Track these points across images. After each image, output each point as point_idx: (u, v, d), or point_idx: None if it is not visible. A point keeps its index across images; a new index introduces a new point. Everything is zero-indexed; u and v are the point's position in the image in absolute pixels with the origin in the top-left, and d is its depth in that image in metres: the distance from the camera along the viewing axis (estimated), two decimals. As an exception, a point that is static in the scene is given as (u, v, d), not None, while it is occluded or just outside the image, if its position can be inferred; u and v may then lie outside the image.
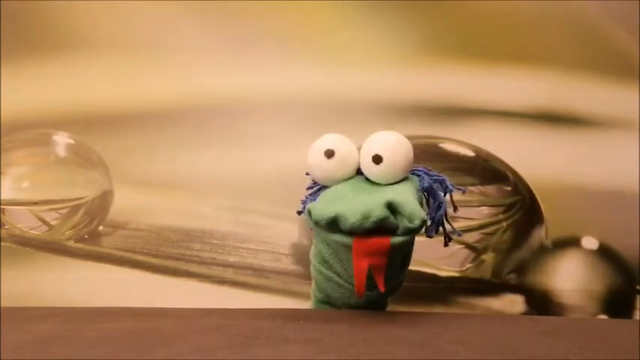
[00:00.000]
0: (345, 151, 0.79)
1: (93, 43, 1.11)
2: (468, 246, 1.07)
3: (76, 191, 1.09)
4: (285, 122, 1.09)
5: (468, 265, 1.07)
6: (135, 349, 0.57)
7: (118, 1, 1.10)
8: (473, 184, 1.07)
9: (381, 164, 0.77)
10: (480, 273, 1.07)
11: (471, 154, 1.07)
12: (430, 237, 0.82)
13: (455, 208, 0.85)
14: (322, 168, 0.79)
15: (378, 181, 0.79)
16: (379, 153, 0.77)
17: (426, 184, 0.81)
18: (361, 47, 1.10)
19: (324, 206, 0.75)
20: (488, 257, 1.07)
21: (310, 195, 0.84)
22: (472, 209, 1.07)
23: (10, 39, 1.11)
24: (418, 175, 0.82)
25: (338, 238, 0.75)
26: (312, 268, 0.85)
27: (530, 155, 1.08)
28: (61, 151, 1.11)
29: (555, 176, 1.08)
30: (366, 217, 0.72)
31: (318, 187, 0.83)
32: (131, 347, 0.58)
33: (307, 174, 0.83)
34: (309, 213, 0.76)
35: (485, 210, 1.07)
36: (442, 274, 1.07)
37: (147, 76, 1.10)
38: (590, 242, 1.07)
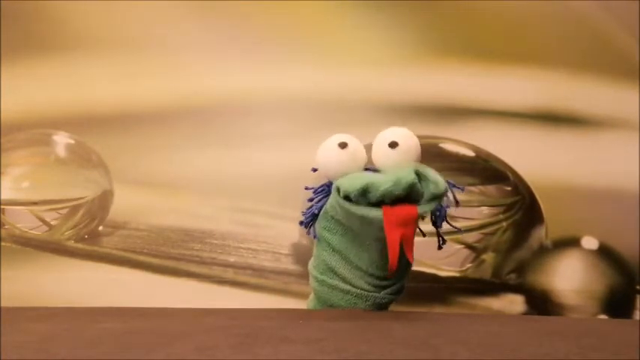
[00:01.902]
0: (355, 146, 0.82)
1: (93, 43, 1.11)
2: (468, 246, 1.07)
3: (76, 191, 1.09)
4: (286, 122, 1.09)
5: (468, 265, 1.07)
6: (135, 349, 0.57)
7: (118, 1, 1.10)
8: (473, 184, 1.07)
9: (397, 148, 0.79)
10: (480, 273, 1.07)
11: (471, 154, 1.07)
12: (437, 226, 0.84)
13: (457, 204, 0.86)
14: (337, 158, 0.80)
15: (390, 167, 0.80)
16: (395, 139, 0.80)
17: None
18: (361, 47, 1.10)
19: (353, 180, 0.77)
20: (488, 257, 1.07)
21: (314, 205, 0.84)
22: (472, 209, 1.07)
23: (10, 39, 1.11)
24: None
25: (366, 211, 0.76)
26: (312, 282, 0.85)
27: (530, 155, 1.08)
28: (61, 151, 1.11)
29: (555, 176, 1.08)
30: (397, 183, 0.74)
31: (323, 196, 0.83)
32: (131, 347, 0.58)
33: (314, 170, 0.83)
34: (338, 189, 0.77)
35: (485, 210, 1.07)
36: (442, 274, 1.07)
37: (147, 76, 1.10)
38: (590, 242, 1.07)
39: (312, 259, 0.85)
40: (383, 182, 0.75)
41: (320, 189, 0.84)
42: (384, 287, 0.81)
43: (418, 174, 0.77)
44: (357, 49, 1.10)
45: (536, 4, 1.09)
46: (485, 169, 1.07)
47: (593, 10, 1.08)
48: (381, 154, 0.81)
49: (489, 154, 1.07)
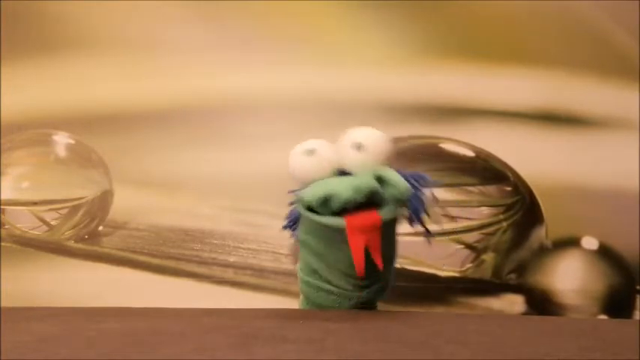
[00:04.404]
0: (322, 153, 0.81)
1: (93, 43, 1.11)
2: (468, 246, 1.07)
3: (76, 191, 1.09)
4: (286, 122, 1.09)
5: (468, 265, 1.07)
6: (135, 349, 0.58)
7: (118, 1, 1.10)
8: (473, 184, 1.07)
9: (362, 149, 0.79)
10: (480, 273, 1.07)
11: (471, 154, 1.07)
12: (412, 226, 0.83)
13: (436, 200, 0.86)
14: (303, 166, 0.81)
15: (358, 170, 0.80)
16: (359, 140, 0.79)
17: (404, 176, 0.82)
18: (362, 47, 1.10)
19: (315, 189, 0.77)
20: (488, 257, 1.07)
21: (294, 210, 0.84)
22: (472, 209, 1.07)
23: (10, 39, 1.11)
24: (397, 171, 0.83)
25: (330, 221, 0.76)
26: (300, 284, 0.85)
27: (530, 155, 1.08)
28: (61, 151, 1.11)
29: (555, 176, 1.08)
30: (357, 191, 0.75)
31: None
32: (131, 347, 0.58)
33: (290, 192, 0.84)
34: (300, 199, 0.77)
35: (485, 210, 1.07)
36: (442, 274, 1.07)
37: (147, 76, 1.10)
38: (590, 242, 1.07)
39: (299, 262, 0.85)
40: (343, 190, 0.75)
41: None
42: (366, 287, 0.81)
43: (380, 178, 0.76)
44: (357, 49, 1.10)
45: (536, 4, 1.09)
46: (485, 169, 1.07)
47: (593, 10, 1.08)
48: (346, 155, 0.81)
49: (489, 154, 1.07)
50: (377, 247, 0.76)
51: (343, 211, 0.76)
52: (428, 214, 0.84)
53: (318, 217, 0.77)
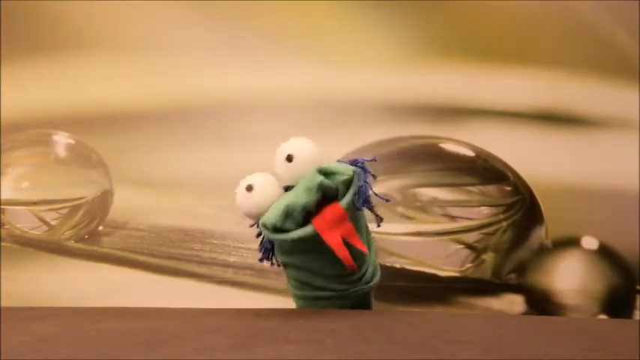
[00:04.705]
0: (261, 186, 0.81)
1: (93, 43, 1.11)
2: (468, 246, 1.07)
3: (76, 191, 1.09)
4: (285, 122, 1.09)
5: (468, 265, 1.07)
6: (135, 349, 0.58)
7: (118, 1, 1.10)
8: (473, 184, 1.07)
9: (294, 160, 0.80)
10: (480, 273, 1.07)
11: (471, 154, 1.07)
12: (359, 210, 0.82)
13: (374, 177, 0.85)
14: (246, 203, 0.81)
15: (292, 180, 0.80)
16: (289, 152, 0.81)
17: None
18: (362, 47, 1.10)
19: (272, 210, 0.77)
20: (488, 257, 1.07)
21: (263, 242, 0.84)
22: (472, 209, 1.07)
23: (10, 39, 1.11)
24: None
25: (300, 233, 0.76)
26: (295, 302, 0.85)
27: (530, 155, 1.08)
28: (61, 151, 1.11)
29: (555, 176, 1.07)
30: (309, 191, 0.76)
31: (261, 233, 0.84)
32: (131, 347, 0.58)
33: (251, 226, 0.84)
34: (264, 226, 0.77)
35: (485, 210, 1.07)
36: (442, 274, 1.07)
37: (147, 76, 1.10)
38: (590, 242, 1.07)
39: (287, 281, 0.86)
40: (297, 198, 0.76)
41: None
42: (359, 279, 0.81)
43: (323, 172, 0.77)
44: (357, 49, 1.10)
45: (536, 4, 1.09)
46: (485, 169, 1.07)
47: (593, 10, 1.08)
48: (279, 168, 0.82)
49: (489, 154, 1.07)
50: (353, 234, 0.77)
51: (307, 217, 0.76)
52: (374, 195, 0.84)
53: (288, 234, 0.77)
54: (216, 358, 0.54)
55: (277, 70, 1.09)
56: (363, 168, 0.82)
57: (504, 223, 1.07)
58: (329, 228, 0.76)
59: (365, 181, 0.82)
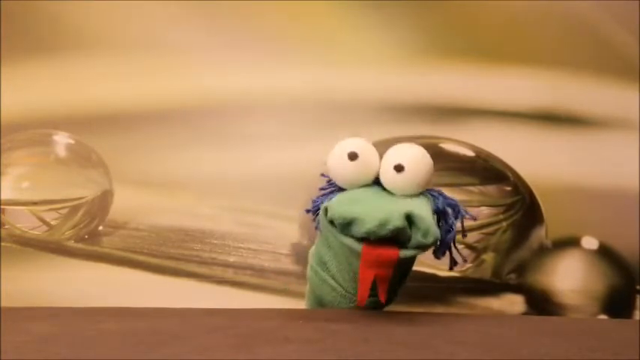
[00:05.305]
0: (367, 157, 0.80)
1: (93, 43, 1.11)
2: (468, 246, 1.07)
3: (76, 191, 1.09)
4: (286, 122, 1.09)
5: (468, 265, 1.07)
6: (135, 349, 0.57)
7: (118, 1, 1.10)
8: (473, 184, 1.07)
9: (402, 173, 0.77)
10: (480, 273, 1.07)
11: (471, 154, 1.07)
12: (437, 259, 0.83)
13: (464, 234, 0.85)
14: (344, 170, 0.79)
15: (396, 191, 0.79)
16: (401, 162, 0.77)
17: (440, 206, 0.80)
18: (361, 47, 1.10)
19: (343, 207, 0.76)
20: (488, 257, 1.07)
21: (323, 195, 0.83)
22: (472, 209, 1.07)
23: (10, 39, 1.11)
24: (433, 196, 0.81)
25: (348, 241, 0.75)
26: (308, 269, 0.85)
27: (530, 155, 1.08)
28: (61, 151, 1.11)
29: (555, 176, 1.07)
30: (383, 224, 0.72)
31: (331, 190, 0.83)
32: (131, 347, 0.58)
33: (323, 175, 0.83)
34: (325, 211, 0.76)
35: (485, 210, 1.07)
36: (442, 274, 1.07)
37: (147, 76, 1.10)
38: (590, 242, 1.07)
39: (313, 246, 0.85)
40: (368, 220, 0.73)
41: (333, 181, 0.83)
42: (372, 295, 0.80)
43: (410, 217, 0.74)
44: (357, 49, 1.10)
45: (536, 4, 1.09)
46: (485, 169, 1.07)
47: (593, 10, 1.08)
48: (386, 173, 0.79)
49: (489, 154, 1.07)
50: (385, 282, 0.75)
51: (363, 237, 0.74)
52: (453, 246, 0.83)
53: (339, 234, 0.76)
54: (216, 358, 0.54)
55: (277, 70, 1.09)
56: (452, 220, 0.80)
57: (504, 223, 1.07)
58: (372, 264, 0.74)
59: (448, 238, 0.80)
